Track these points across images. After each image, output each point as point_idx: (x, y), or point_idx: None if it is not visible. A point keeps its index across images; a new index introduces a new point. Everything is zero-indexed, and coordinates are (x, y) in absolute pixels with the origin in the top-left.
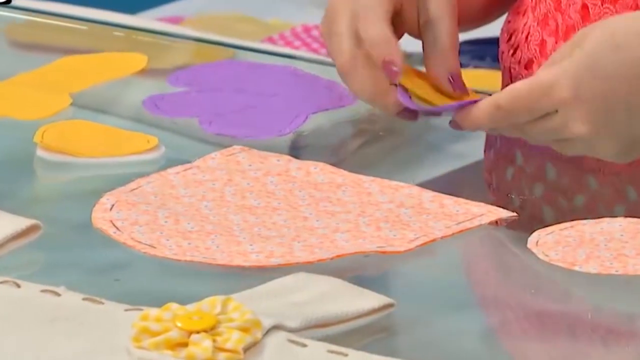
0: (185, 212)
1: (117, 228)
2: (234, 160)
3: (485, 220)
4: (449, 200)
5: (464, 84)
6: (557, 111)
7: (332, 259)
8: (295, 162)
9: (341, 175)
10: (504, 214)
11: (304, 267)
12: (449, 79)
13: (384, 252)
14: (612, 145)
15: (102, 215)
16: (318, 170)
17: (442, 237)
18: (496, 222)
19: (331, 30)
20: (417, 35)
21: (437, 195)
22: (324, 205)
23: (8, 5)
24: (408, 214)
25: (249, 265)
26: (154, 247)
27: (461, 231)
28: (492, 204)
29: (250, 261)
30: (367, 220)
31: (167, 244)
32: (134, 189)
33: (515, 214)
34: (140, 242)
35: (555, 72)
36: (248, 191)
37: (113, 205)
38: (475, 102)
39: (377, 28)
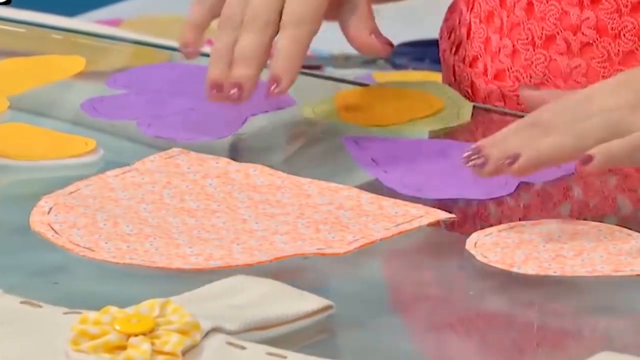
0: (124, 214)
1: (55, 231)
2: (173, 163)
3: (425, 221)
4: (387, 202)
5: (386, 38)
6: None
7: (271, 261)
8: (234, 165)
9: (280, 177)
10: (443, 215)
11: (243, 269)
12: (372, 34)
13: (323, 254)
14: None
15: (40, 219)
16: (257, 173)
17: (381, 239)
18: (438, 223)
19: None
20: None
21: (376, 197)
22: (263, 207)
23: (8, 5)
24: (347, 215)
25: (188, 268)
26: (93, 250)
27: (400, 233)
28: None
29: (190, 264)
30: (306, 222)
31: (105, 247)
32: (72, 192)
33: (454, 215)
34: (78, 245)
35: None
36: (187, 194)
37: (51, 209)
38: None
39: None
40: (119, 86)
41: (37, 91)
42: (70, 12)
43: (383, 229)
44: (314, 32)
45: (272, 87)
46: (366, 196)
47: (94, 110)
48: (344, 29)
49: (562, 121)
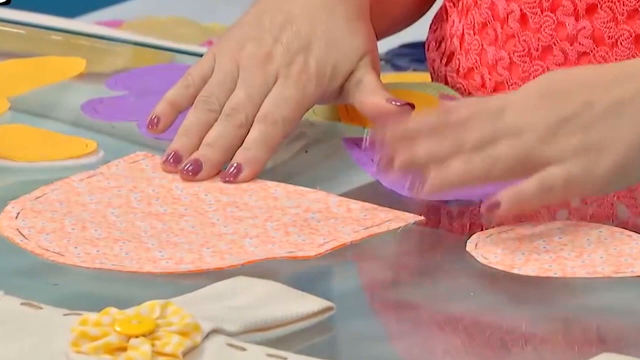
0: (92, 219)
1: (24, 236)
2: (138, 167)
3: (394, 225)
4: (355, 205)
5: (402, 100)
6: None
7: (242, 264)
8: None
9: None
10: (411, 218)
11: (215, 273)
12: (387, 102)
13: (294, 257)
14: None
15: (8, 223)
16: None
17: (351, 242)
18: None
19: None
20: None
21: (344, 200)
22: (231, 210)
23: (8, 5)
24: (316, 218)
25: (159, 272)
26: (62, 255)
27: (370, 235)
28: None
29: (160, 268)
30: (275, 225)
31: (75, 251)
32: (38, 197)
33: (422, 217)
34: (48, 250)
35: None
36: (154, 197)
37: (19, 213)
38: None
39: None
40: (119, 87)
41: (37, 92)
42: (71, 13)
43: (352, 231)
44: (287, 133)
45: (230, 171)
46: (334, 199)
47: (94, 111)
48: (359, 105)
49: (472, 138)
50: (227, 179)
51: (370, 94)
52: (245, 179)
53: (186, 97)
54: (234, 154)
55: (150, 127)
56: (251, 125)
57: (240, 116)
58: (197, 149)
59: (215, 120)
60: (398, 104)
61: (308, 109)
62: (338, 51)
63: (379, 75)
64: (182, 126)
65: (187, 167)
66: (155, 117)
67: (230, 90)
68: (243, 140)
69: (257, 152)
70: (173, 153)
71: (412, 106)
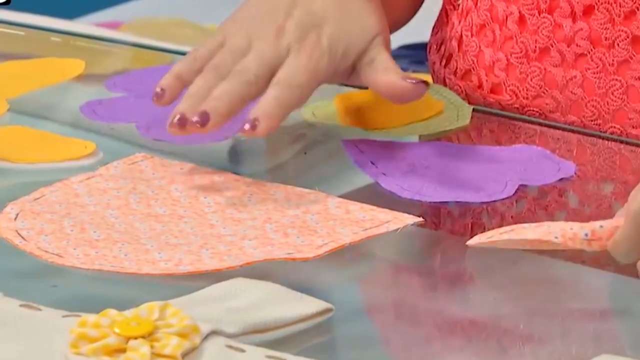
0: (91, 220)
1: (23, 237)
2: (137, 169)
3: (393, 227)
4: (354, 207)
5: (417, 78)
6: None
7: (241, 266)
8: (199, 170)
9: (245, 183)
10: (410, 220)
11: (213, 274)
12: (403, 79)
13: (293, 259)
14: None
15: (6, 225)
16: (222, 179)
17: (350, 243)
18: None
19: None
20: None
21: (343, 202)
22: (230, 212)
23: (7, 5)
24: (315, 219)
25: (157, 273)
26: (62, 257)
27: (369, 237)
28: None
29: (159, 269)
30: (274, 227)
31: (74, 252)
32: (37, 198)
33: (421, 218)
34: (47, 251)
35: None
36: (153, 199)
37: (18, 215)
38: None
39: None
40: (119, 89)
41: (36, 94)
42: (70, 14)
43: (352, 233)
44: (301, 101)
45: (247, 124)
46: (332, 200)
47: (93, 113)
48: (373, 84)
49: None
50: (244, 130)
51: (383, 72)
52: (262, 131)
53: (193, 70)
54: (240, 109)
55: (155, 99)
56: (262, 88)
57: (249, 74)
58: None
59: None
60: (413, 81)
61: (320, 84)
62: (350, 30)
63: (390, 54)
64: (189, 89)
65: (194, 119)
66: (160, 89)
67: (241, 59)
68: (251, 99)
69: (272, 109)
70: (179, 114)
71: (427, 84)
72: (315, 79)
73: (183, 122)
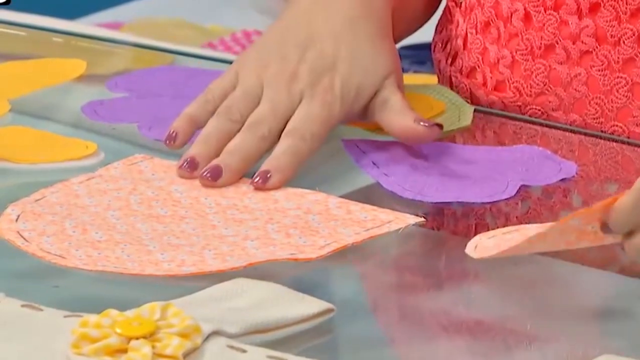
0: (92, 221)
1: (25, 239)
2: (137, 170)
3: (394, 227)
4: (355, 207)
5: (431, 122)
6: None
7: (245, 267)
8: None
9: (245, 183)
10: (412, 220)
11: (215, 275)
12: (416, 122)
13: (296, 260)
14: None
15: (8, 226)
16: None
17: (352, 244)
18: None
19: None
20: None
21: (344, 202)
22: (231, 212)
23: (7, 5)
24: (316, 220)
25: (161, 274)
26: (64, 258)
27: (371, 237)
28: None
29: (162, 270)
30: (276, 227)
31: (76, 254)
32: (38, 199)
33: (423, 218)
34: (49, 252)
35: None
36: (154, 200)
37: (19, 216)
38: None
39: None
40: (120, 89)
41: (38, 94)
42: (71, 15)
43: (354, 233)
44: (313, 150)
45: (259, 177)
46: (333, 200)
47: (95, 113)
48: (387, 126)
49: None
50: (256, 183)
51: (397, 114)
52: (274, 185)
53: (206, 112)
54: (254, 164)
55: (168, 142)
56: (275, 142)
57: (264, 128)
58: (215, 157)
59: (236, 131)
60: (426, 124)
61: (332, 129)
62: (363, 71)
63: (404, 94)
64: (201, 134)
65: (205, 173)
66: (173, 132)
67: (254, 104)
68: (264, 154)
69: (286, 162)
70: (189, 159)
71: (440, 127)
72: (328, 125)
73: (193, 167)
